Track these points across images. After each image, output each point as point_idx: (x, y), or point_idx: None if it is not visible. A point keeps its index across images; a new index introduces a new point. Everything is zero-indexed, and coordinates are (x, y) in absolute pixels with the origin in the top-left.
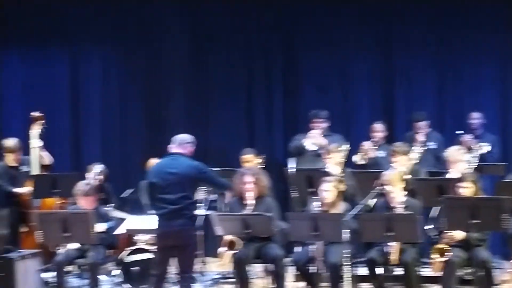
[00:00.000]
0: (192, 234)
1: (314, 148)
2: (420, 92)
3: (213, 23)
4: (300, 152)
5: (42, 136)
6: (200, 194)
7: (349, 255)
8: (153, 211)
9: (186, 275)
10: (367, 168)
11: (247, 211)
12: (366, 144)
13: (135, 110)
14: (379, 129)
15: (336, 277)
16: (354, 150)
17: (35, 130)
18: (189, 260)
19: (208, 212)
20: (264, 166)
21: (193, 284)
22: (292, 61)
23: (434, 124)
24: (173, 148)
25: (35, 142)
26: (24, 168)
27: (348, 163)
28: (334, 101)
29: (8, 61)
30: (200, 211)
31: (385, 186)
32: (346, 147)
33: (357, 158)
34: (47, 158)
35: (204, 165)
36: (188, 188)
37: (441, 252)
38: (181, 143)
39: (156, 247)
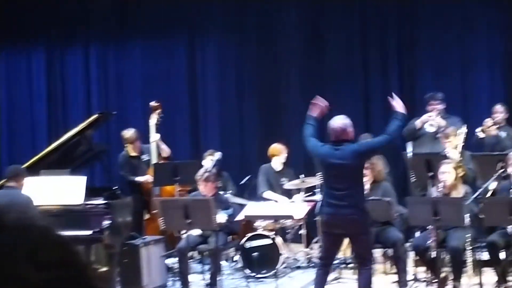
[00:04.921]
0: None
1: (433, 129)
2: None
3: (328, 8)
4: (415, 135)
5: (159, 126)
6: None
7: (471, 239)
8: None
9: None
10: (486, 146)
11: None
12: (490, 121)
13: (251, 98)
14: (500, 110)
15: (458, 262)
16: (473, 134)
17: (153, 120)
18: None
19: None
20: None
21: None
22: (409, 43)
23: None
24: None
25: (154, 133)
26: (145, 157)
27: (467, 146)
28: (452, 84)
29: (129, 54)
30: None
31: (510, 167)
32: (463, 130)
33: (478, 130)
34: (166, 150)
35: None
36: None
37: None
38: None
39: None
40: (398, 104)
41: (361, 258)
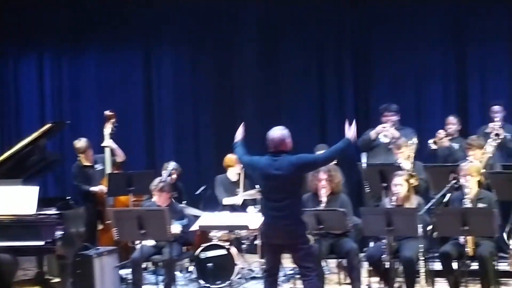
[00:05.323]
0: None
1: (387, 140)
2: (494, 86)
3: (283, 19)
4: (370, 146)
5: (113, 135)
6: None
7: (424, 249)
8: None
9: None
10: (439, 157)
11: (321, 207)
12: (442, 132)
13: (207, 108)
14: (453, 122)
15: (411, 272)
16: (426, 145)
17: (108, 129)
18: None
19: None
20: (336, 162)
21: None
22: (364, 56)
23: (509, 117)
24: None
25: (107, 140)
26: (99, 167)
27: (419, 157)
28: (406, 95)
29: (84, 63)
30: None
31: (462, 178)
32: (415, 140)
33: (431, 142)
34: (120, 155)
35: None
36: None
37: None
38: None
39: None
40: (350, 131)
41: (302, 268)
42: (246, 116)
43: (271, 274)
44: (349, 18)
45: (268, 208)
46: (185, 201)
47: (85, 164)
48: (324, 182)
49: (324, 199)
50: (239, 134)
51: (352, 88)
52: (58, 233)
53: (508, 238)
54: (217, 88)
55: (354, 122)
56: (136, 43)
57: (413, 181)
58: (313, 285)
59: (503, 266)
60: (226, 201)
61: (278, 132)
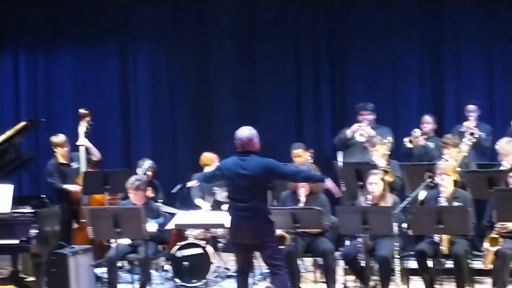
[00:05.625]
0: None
1: (363, 139)
2: (469, 85)
3: (260, 18)
4: (345, 145)
5: (88, 133)
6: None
7: (399, 248)
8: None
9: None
10: (415, 156)
11: (299, 206)
12: (418, 131)
13: (184, 106)
14: (428, 121)
15: (386, 270)
16: (402, 144)
17: (83, 127)
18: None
19: None
20: (313, 160)
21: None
22: (340, 55)
23: (484, 116)
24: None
25: (82, 139)
26: (75, 165)
27: (395, 156)
28: (382, 94)
29: (60, 60)
30: None
31: (438, 177)
32: (390, 139)
33: (406, 140)
34: (96, 154)
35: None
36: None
37: (493, 242)
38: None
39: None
40: (328, 184)
41: (271, 267)
42: (223, 114)
43: (243, 273)
44: (325, 17)
45: (235, 208)
46: (161, 200)
47: (61, 161)
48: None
49: (303, 198)
50: None
51: (329, 86)
52: (33, 232)
53: (482, 236)
54: (194, 85)
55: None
56: (112, 39)
57: (388, 177)
58: (282, 282)
59: (477, 264)
60: (198, 201)
61: (246, 132)
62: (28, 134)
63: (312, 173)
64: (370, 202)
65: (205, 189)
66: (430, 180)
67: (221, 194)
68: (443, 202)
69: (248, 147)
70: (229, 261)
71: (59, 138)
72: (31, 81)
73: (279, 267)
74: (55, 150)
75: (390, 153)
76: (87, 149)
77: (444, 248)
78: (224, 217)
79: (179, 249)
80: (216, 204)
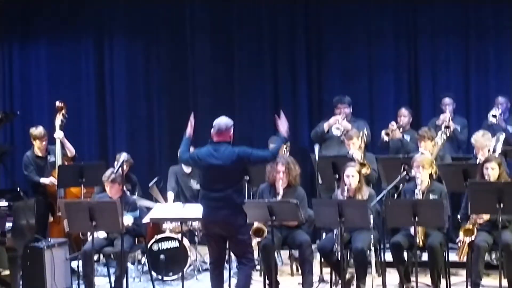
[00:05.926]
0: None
1: (339, 133)
2: (445, 78)
3: (238, 12)
4: (323, 138)
5: (64, 126)
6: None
7: (375, 240)
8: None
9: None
10: (391, 149)
11: (277, 199)
12: (394, 124)
13: (160, 100)
14: (405, 114)
15: (362, 263)
16: (378, 137)
17: (58, 120)
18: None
19: None
20: (289, 153)
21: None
22: (316, 48)
23: (460, 109)
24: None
25: (58, 132)
26: (51, 158)
27: (372, 149)
28: (359, 87)
29: (36, 53)
30: None
31: (415, 169)
32: (365, 132)
33: (383, 133)
34: (70, 150)
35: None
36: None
37: (468, 233)
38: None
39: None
40: (282, 126)
41: (240, 258)
42: (200, 107)
43: (216, 266)
44: (301, 10)
45: (208, 198)
46: (138, 193)
47: (37, 154)
48: (281, 174)
49: (280, 191)
50: (189, 128)
51: (305, 80)
52: (8, 225)
53: (457, 228)
54: (171, 79)
55: (282, 114)
56: (88, 32)
57: (364, 170)
58: (246, 274)
59: (452, 256)
60: (169, 195)
61: (224, 120)
62: (3, 127)
63: (276, 145)
64: (346, 195)
65: (181, 182)
66: (405, 173)
67: (197, 185)
68: (419, 195)
69: (223, 136)
70: (206, 254)
71: (38, 130)
72: (7, 74)
73: (248, 260)
74: (33, 142)
75: (366, 145)
76: (62, 144)
77: (419, 240)
78: (200, 210)
79: (155, 242)
80: (195, 197)
